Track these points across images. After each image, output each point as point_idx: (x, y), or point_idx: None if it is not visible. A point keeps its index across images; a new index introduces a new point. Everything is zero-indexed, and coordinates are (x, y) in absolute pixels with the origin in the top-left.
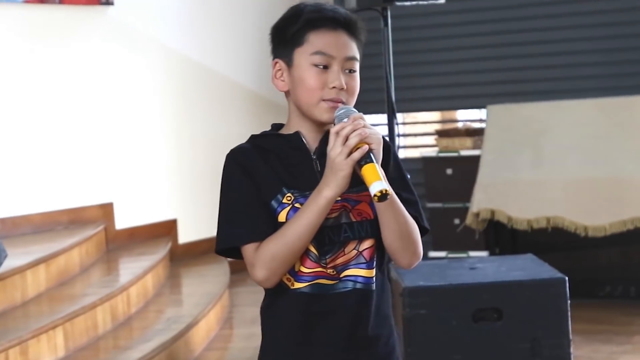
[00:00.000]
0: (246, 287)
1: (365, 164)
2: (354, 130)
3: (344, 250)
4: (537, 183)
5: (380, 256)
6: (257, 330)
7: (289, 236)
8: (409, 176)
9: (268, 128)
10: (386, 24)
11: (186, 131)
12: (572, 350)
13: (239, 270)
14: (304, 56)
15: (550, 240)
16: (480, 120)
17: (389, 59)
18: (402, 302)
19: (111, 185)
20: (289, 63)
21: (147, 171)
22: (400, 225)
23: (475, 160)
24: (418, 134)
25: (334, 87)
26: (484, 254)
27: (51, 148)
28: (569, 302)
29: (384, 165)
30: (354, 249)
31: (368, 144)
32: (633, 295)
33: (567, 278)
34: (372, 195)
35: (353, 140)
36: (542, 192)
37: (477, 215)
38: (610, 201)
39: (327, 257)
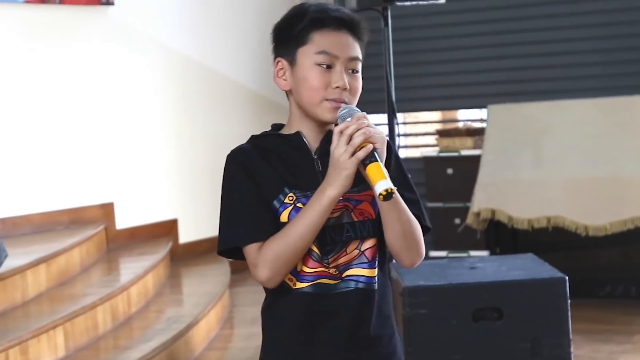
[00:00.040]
0: (247, 287)
1: (369, 163)
2: (358, 130)
3: (345, 250)
4: (538, 183)
5: (382, 256)
6: (258, 330)
7: (292, 236)
8: (409, 175)
9: (268, 128)
10: (386, 24)
11: (187, 131)
12: (572, 349)
13: (240, 270)
14: (307, 55)
15: (551, 240)
16: (481, 120)
17: (390, 58)
18: (402, 302)
19: (112, 185)
20: (292, 62)
21: (147, 171)
22: (403, 225)
23: (476, 159)
24: (419, 133)
25: (337, 87)
26: (484, 253)
27: (51, 148)
28: (569, 301)
29: (386, 165)
30: (355, 248)
31: (372, 143)
32: (633, 294)
33: (567, 278)
34: (377, 194)
35: (357, 139)
36: (543, 191)
37: (477, 214)
38: (610, 201)
39: (329, 256)
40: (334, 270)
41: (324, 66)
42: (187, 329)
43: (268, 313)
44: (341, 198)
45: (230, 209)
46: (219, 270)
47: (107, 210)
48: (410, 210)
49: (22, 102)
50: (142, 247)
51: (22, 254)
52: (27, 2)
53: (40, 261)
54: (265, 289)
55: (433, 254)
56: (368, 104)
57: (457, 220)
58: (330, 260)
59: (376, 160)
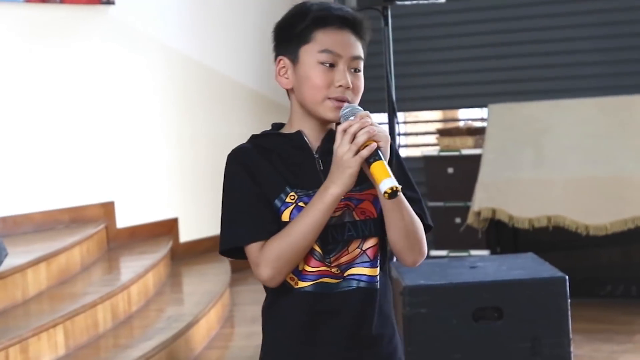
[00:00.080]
0: (247, 285)
1: (374, 162)
2: (362, 128)
3: (347, 249)
4: (538, 182)
5: (383, 255)
6: (258, 329)
7: (294, 235)
8: (410, 174)
9: (269, 127)
10: (387, 23)
11: (187, 130)
12: (572, 349)
13: (240, 269)
14: (310, 54)
15: (552, 240)
16: (482, 119)
17: (390, 58)
18: (402, 301)
19: (112, 184)
20: (294, 60)
21: (148, 170)
22: (406, 224)
23: (477, 159)
24: (419, 133)
25: (340, 86)
26: (485, 252)
27: (52, 147)
28: (569, 301)
29: (387, 163)
30: (357, 247)
31: (376, 142)
32: (634, 294)
33: (567, 277)
34: (383, 192)
35: (361, 138)
36: (543, 191)
37: (478, 214)
38: (611, 200)
39: (331, 256)
40: (335, 269)
41: (327, 65)
42: (188, 328)
43: (269, 312)
44: (343, 197)
45: (231, 208)
46: (220, 269)
47: (107, 209)
48: (413, 209)
49: (22, 102)
50: (143, 246)
51: (22, 253)
52: (27, 1)
53: (41, 260)
54: (266, 289)
55: (434, 253)
56: (368, 103)
57: (458, 220)
58: (332, 259)
59: (380, 159)
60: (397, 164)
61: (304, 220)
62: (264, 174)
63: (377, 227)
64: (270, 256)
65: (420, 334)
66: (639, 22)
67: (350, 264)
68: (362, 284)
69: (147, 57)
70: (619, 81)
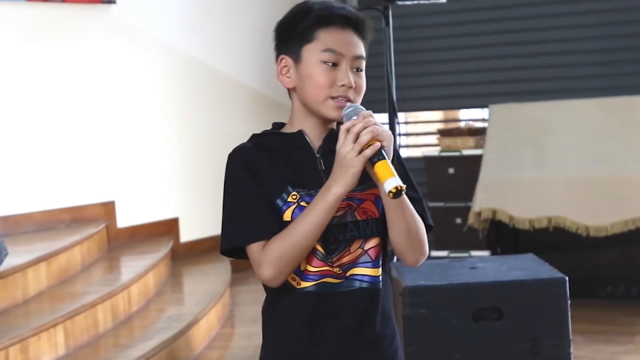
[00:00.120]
0: (248, 285)
1: (377, 161)
2: (365, 128)
3: (349, 249)
4: (539, 182)
5: (384, 255)
6: (259, 329)
7: (296, 234)
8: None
9: (270, 127)
10: (387, 23)
11: (188, 130)
12: (572, 350)
13: (241, 269)
14: (313, 53)
15: (553, 240)
16: (483, 120)
17: (391, 57)
18: (402, 301)
19: (113, 183)
20: (297, 59)
21: (148, 170)
22: (408, 224)
23: (478, 159)
24: (420, 133)
25: (342, 85)
26: (485, 253)
27: (53, 146)
28: (569, 302)
29: None
30: (359, 247)
31: (379, 141)
32: (634, 295)
33: (567, 278)
34: (387, 191)
35: (365, 138)
36: (544, 191)
37: (479, 214)
38: (611, 201)
39: (333, 255)
40: (338, 269)
41: (330, 64)
42: (188, 328)
43: (269, 313)
44: (345, 197)
45: (232, 208)
46: (220, 269)
47: (108, 208)
48: (414, 209)
49: (23, 101)
50: (143, 246)
51: (23, 252)
52: (28, 0)
53: (41, 259)
54: (266, 289)
55: (434, 253)
56: (369, 103)
57: (459, 220)
58: (334, 259)
59: (384, 158)
60: (398, 164)
61: (307, 219)
62: (266, 173)
63: (379, 227)
64: (272, 256)
65: (420, 334)
66: (639, 23)
67: (353, 264)
68: (364, 285)
69: (148, 57)
70: (620, 81)
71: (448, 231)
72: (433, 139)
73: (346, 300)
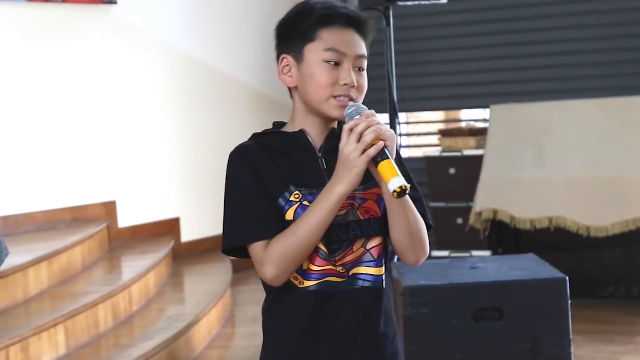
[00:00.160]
0: (248, 285)
1: (381, 161)
2: (369, 127)
3: (352, 248)
4: (540, 182)
5: (386, 254)
6: (259, 328)
7: (299, 233)
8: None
9: (271, 126)
10: (388, 24)
11: (189, 130)
12: (572, 350)
13: (241, 269)
14: (315, 52)
15: (554, 240)
16: (484, 120)
17: (391, 58)
18: (403, 301)
19: (114, 183)
20: (299, 58)
21: (149, 169)
22: (410, 223)
23: (478, 159)
24: (421, 133)
25: (345, 84)
26: (486, 253)
27: (54, 146)
28: (569, 301)
29: None
30: (361, 246)
31: (382, 140)
32: (635, 295)
33: (567, 278)
34: (392, 191)
35: (369, 137)
36: (545, 191)
37: (480, 214)
38: (612, 201)
39: (335, 255)
40: (341, 268)
41: (332, 63)
42: (188, 328)
43: (270, 312)
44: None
45: (234, 207)
46: (221, 269)
47: (109, 208)
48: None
49: (24, 101)
50: (144, 246)
51: (23, 252)
52: (29, 0)
53: (42, 259)
54: (267, 288)
55: (435, 253)
56: (369, 103)
57: (460, 220)
58: (336, 258)
59: (387, 158)
60: (398, 163)
61: (310, 218)
62: (267, 172)
63: (381, 226)
64: (275, 255)
65: (421, 334)
66: (639, 23)
67: (355, 263)
68: (367, 284)
69: (149, 57)
70: (620, 82)
71: (449, 231)
72: (434, 139)
73: (348, 300)
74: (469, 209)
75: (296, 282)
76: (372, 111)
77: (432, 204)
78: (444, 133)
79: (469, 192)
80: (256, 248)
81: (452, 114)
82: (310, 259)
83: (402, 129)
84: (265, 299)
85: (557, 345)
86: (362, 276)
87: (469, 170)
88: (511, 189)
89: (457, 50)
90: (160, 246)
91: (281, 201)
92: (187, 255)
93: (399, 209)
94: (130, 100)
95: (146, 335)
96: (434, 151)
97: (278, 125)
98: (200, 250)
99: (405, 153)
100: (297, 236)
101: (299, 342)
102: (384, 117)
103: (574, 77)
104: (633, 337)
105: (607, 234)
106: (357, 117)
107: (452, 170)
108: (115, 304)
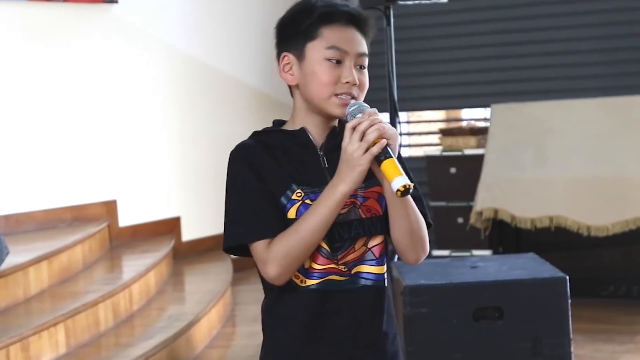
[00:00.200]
0: (249, 285)
1: (384, 159)
2: (372, 126)
3: (354, 247)
4: (541, 182)
5: (386, 253)
6: (260, 328)
7: (302, 232)
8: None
9: (271, 125)
10: (389, 23)
11: (190, 129)
12: (572, 349)
13: (242, 268)
14: (317, 50)
15: (554, 240)
16: (484, 119)
17: (392, 57)
18: (403, 301)
19: (115, 182)
20: (300, 57)
21: (150, 169)
22: (411, 222)
23: (479, 159)
24: (422, 132)
25: (347, 82)
26: (487, 253)
27: (55, 145)
28: (569, 301)
29: None
30: (363, 245)
31: (385, 139)
32: (636, 294)
33: (567, 277)
34: (395, 190)
35: (372, 136)
36: (545, 191)
37: (480, 214)
38: (613, 201)
39: (338, 253)
40: (343, 267)
41: (334, 61)
42: (189, 327)
43: (270, 312)
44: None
45: (235, 206)
46: (222, 268)
47: (110, 207)
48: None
49: (24, 100)
50: (145, 245)
51: (24, 251)
52: None
53: (43, 258)
54: (268, 288)
55: (436, 253)
56: (370, 103)
57: (460, 220)
58: (339, 257)
59: (391, 156)
60: (399, 163)
61: (313, 217)
62: (269, 170)
63: (383, 224)
64: (278, 254)
65: (421, 333)
66: (639, 23)
67: (358, 261)
68: (369, 282)
69: (149, 56)
70: (620, 81)
71: (450, 231)
72: (435, 139)
73: (350, 299)
74: (470, 208)
75: (298, 281)
76: (374, 109)
77: (433, 204)
78: (444, 132)
79: (470, 191)
80: (258, 247)
81: (453, 113)
82: (313, 257)
83: (403, 128)
84: (265, 298)
85: (557, 345)
86: (364, 275)
87: (470, 169)
88: (512, 189)
89: (457, 49)
90: (160, 245)
91: (283, 200)
92: (188, 254)
93: (400, 207)
94: (130, 100)
95: (147, 334)
96: (435, 150)
97: (278, 123)
98: (200, 249)
99: (406, 152)
100: (299, 235)
101: (299, 342)
102: (384, 117)
103: (574, 76)
104: (633, 337)
105: (608, 233)
106: (360, 115)
107: (452, 170)
108: (116, 303)
